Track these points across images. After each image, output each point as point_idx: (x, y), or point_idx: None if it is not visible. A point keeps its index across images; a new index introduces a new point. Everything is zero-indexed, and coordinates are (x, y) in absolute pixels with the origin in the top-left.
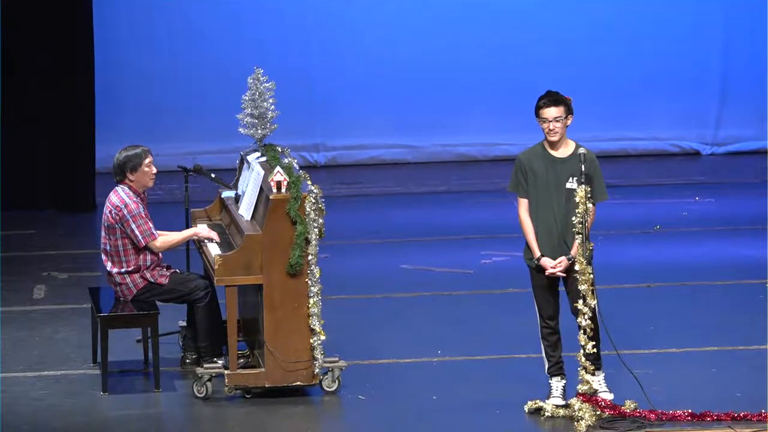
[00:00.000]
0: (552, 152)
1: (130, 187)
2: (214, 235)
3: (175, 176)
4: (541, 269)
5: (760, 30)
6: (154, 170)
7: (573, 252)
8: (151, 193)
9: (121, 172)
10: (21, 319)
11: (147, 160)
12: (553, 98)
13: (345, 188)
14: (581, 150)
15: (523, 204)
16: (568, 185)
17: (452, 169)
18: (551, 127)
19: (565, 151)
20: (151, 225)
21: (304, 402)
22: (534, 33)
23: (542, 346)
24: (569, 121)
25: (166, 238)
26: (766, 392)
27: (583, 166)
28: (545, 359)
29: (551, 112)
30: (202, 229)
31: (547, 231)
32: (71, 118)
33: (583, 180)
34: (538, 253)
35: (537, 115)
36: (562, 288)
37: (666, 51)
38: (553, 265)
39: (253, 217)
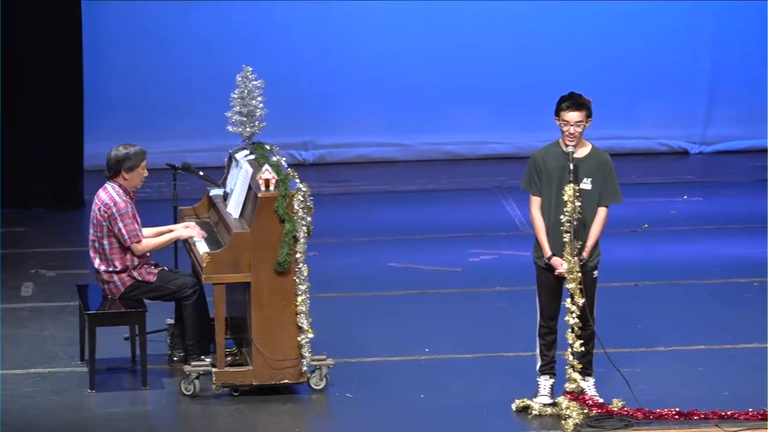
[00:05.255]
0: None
1: (120, 186)
2: (195, 232)
3: (163, 174)
4: (550, 268)
5: (750, 29)
6: (146, 173)
7: (585, 254)
8: (139, 190)
9: (116, 169)
10: (8, 316)
11: (144, 162)
12: (576, 102)
13: (333, 186)
14: (569, 149)
15: (536, 202)
16: (583, 186)
17: (441, 167)
18: (571, 131)
19: (581, 151)
20: (137, 226)
21: (291, 400)
22: (523, 32)
23: (537, 344)
24: (588, 124)
25: (148, 242)
26: (753, 391)
27: (571, 165)
28: (538, 357)
29: (573, 116)
30: (182, 231)
31: (559, 230)
32: (60, 116)
33: (571, 178)
34: (548, 252)
35: (557, 116)
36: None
37: (655, 50)
38: (561, 263)
39: (241, 215)
